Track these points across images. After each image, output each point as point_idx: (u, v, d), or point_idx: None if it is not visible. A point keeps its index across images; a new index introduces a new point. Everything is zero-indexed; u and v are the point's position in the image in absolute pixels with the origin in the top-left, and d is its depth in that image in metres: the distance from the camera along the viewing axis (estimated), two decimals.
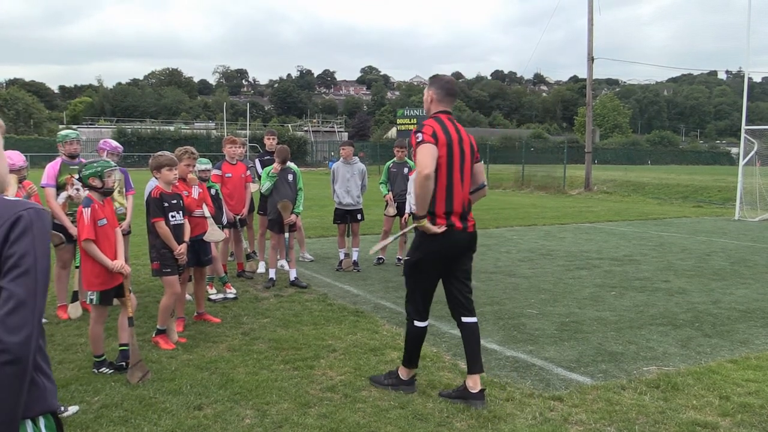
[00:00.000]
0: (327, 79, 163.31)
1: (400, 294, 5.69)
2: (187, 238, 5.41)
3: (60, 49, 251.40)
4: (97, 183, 4.51)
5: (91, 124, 62.26)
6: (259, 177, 8.11)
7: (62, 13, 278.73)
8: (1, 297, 1.38)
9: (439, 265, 4.08)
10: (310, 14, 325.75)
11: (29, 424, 1.45)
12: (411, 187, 8.08)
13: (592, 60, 25.46)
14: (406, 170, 8.81)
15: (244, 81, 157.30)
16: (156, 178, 5.37)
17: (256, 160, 8.71)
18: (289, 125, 71.20)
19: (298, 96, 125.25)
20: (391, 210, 8.91)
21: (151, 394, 4.14)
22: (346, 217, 8.71)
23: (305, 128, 69.18)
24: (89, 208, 4.41)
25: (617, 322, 6.01)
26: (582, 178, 26.65)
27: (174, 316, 5.44)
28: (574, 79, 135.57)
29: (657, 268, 8.93)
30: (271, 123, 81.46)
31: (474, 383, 4.04)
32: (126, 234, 6.23)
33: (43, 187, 5.90)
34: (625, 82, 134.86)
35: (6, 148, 1.60)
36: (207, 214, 6.13)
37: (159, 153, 5.41)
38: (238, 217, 7.87)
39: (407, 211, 8.36)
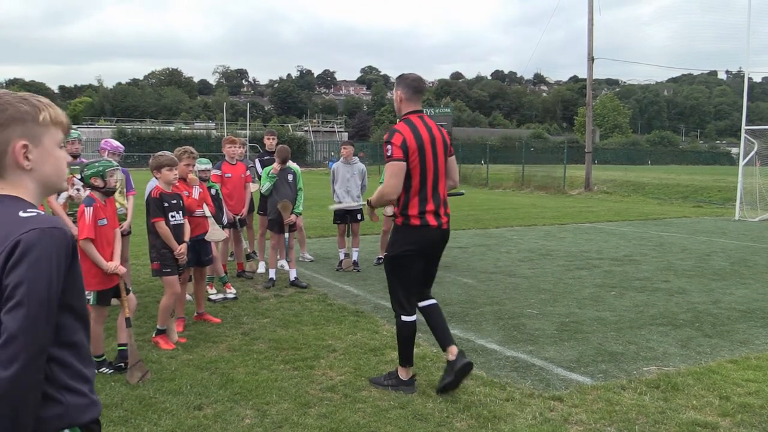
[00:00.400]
0: (327, 79, 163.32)
1: None
2: (187, 238, 5.41)
3: (60, 49, 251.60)
4: (99, 183, 4.51)
5: (91, 124, 62.18)
6: (259, 177, 8.11)
7: (62, 13, 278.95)
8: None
9: (417, 260, 4.17)
10: (310, 14, 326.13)
11: None
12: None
13: (592, 60, 25.46)
14: None
15: (244, 81, 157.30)
16: (156, 178, 5.37)
17: (256, 160, 8.71)
18: (289, 125, 71.16)
19: (298, 96, 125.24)
20: (390, 210, 8.88)
21: (151, 394, 4.14)
22: (346, 217, 8.71)
23: (305, 128, 69.12)
24: (91, 208, 4.42)
25: (617, 322, 6.01)
26: (582, 178, 26.65)
27: (174, 316, 5.44)
28: (574, 79, 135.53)
29: (657, 268, 8.93)
30: (271, 123, 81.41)
31: (452, 352, 4.19)
32: (126, 234, 6.23)
33: None
34: (625, 82, 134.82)
35: None
36: (208, 213, 6.13)
37: (159, 153, 5.41)
38: (238, 217, 7.88)
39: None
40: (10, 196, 1.47)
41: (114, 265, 4.48)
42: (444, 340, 4.28)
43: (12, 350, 1.30)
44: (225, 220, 7.43)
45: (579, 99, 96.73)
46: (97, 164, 4.57)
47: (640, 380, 4.46)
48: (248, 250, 8.68)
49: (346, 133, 72.09)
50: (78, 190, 5.83)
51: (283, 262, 8.27)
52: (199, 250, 5.91)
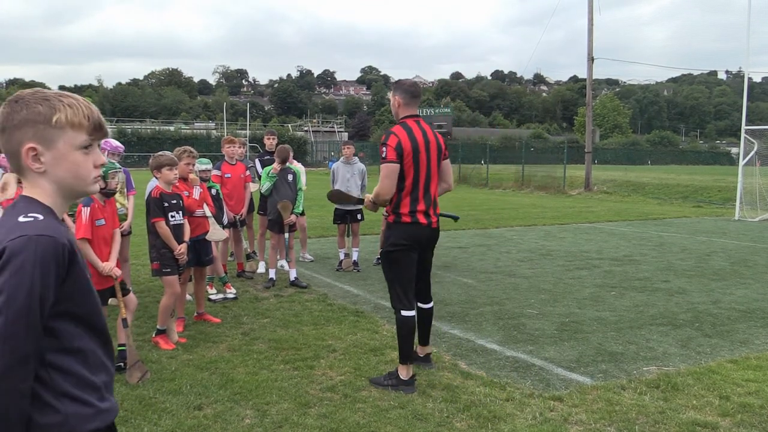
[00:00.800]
0: (327, 79, 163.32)
1: None
2: (186, 238, 5.41)
3: (60, 49, 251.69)
4: (99, 183, 4.51)
5: None
6: (259, 177, 8.11)
7: (62, 13, 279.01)
8: None
9: (410, 254, 4.37)
10: (310, 14, 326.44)
11: None
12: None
13: (592, 60, 25.47)
14: None
15: (244, 81, 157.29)
16: (156, 177, 5.37)
17: (256, 160, 8.71)
18: (289, 125, 71.16)
19: (298, 96, 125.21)
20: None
21: (151, 394, 4.14)
22: (346, 217, 8.71)
23: (305, 128, 69.14)
24: (89, 207, 4.41)
25: (617, 322, 6.01)
26: (582, 178, 26.65)
27: (174, 316, 5.44)
28: (574, 79, 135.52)
29: (657, 268, 8.93)
30: (271, 123, 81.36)
31: (422, 351, 4.71)
32: (127, 234, 6.23)
33: None
34: (625, 82, 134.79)
35: None
36: (208, 213, 6.13)
37: (159, 153, 5.41)
38: (238, 217, 7.88)
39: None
40: (27, 197, 1.46)
41: (109, 267, 4.45)
42: (422, 339, 4.70)
43: None
44: (225, 220, 7.43)
45: (579, 99, 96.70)
46: None
47: (640, 380, 4.46)
48: (248, 250, 8.68)
49: (346, 133, 72.08)
50: None
51: (283, 262, 8.27)
52: (200, 250, 5.91)
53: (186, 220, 5.48)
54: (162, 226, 5.13)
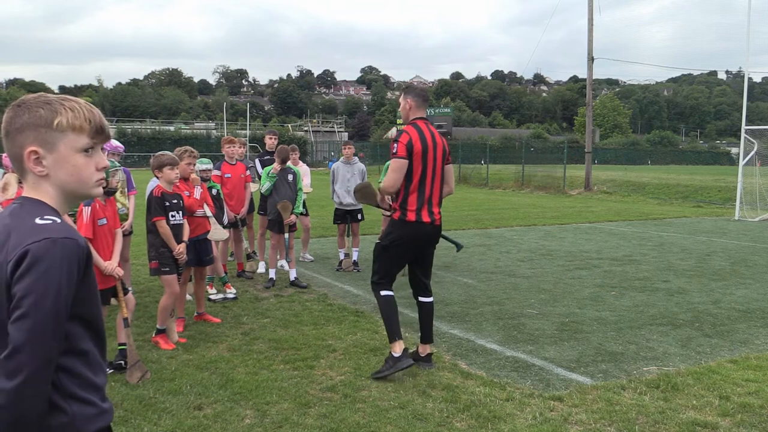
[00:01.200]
0: (327, 79, 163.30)
1: (401, 294, 5.69)
2: (186, 237, 5.42)
3: (60, 49, 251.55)
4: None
5: None
6: (259, 177, 8.11)
7: (62, 13, 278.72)
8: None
9: (406, 251, 4.60)
10: (310, 14, 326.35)
11: None
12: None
13: (592, 60, 25.47)
14: None
15: (244, 81, 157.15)
16: (157, 177, 5.37)
17: (256, 160, 8.71)
18: (289, 125, 71.16)
19: (298, 96, 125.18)
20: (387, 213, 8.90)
21: (151, 394, 4.14)
22: (346, 217, 8.71)
23: (305, 128, 69.12)
24: (90, 207, 4.41)
25: (617, 322, 6.01)
26: (582, 178, 26.65)
27: (174, 316, 5.44)
28: (574, 79, 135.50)
29: (657, 268, 8.93)
30: (271, 123, 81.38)
31: (423, 350, 4.73)
32: (128, 234, 6.23)
33: None
34: (625, 82, 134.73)
35: None
36: (209, 213, 6.13)
37: (160, 152, 5.42)
38: (238, 217, 7.88)
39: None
40: (33, 199, 1.45)
41: (112, 266, 4.46)
42: (423, 336, 4.76)
43: (16, 362, 1.29)
44: (226, 220, 7.44)
45: (579, 99, 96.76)
46: None
47: (640, 380, 4.46)
48: (248, 250, 8.68)
49: (346, 133, 72.11)
50: None
51: (283, 262, 8.27)
52: (200, 250, 5.92)
53: (185, 220, 5.48)
54: (163, 225, 5.14)
